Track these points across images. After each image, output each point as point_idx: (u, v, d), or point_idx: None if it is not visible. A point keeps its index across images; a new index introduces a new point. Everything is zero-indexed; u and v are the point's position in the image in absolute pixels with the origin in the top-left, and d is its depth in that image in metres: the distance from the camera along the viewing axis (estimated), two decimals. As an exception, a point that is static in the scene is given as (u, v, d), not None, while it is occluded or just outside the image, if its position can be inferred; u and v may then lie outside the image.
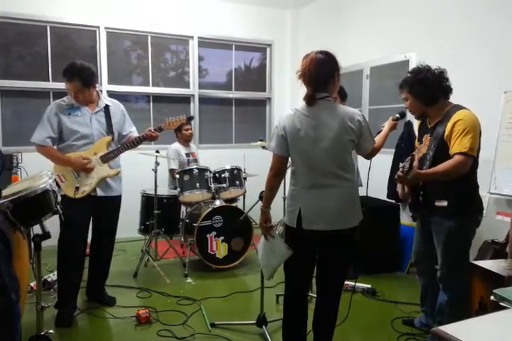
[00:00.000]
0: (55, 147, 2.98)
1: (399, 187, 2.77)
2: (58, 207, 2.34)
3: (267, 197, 2.31)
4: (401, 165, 2.36)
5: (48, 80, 4.84)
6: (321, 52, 2.16)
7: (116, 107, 3.16)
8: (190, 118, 3.38)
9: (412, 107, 2.61)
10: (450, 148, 2.36)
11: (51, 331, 2.41)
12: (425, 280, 2.79)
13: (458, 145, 2.32)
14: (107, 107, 3.07)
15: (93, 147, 2.98)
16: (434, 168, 2.38)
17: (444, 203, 2.43)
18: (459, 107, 2.47)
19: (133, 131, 3.24)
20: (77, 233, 2.95)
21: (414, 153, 2.48)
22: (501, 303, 1.65)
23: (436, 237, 2.53)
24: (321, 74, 2.14)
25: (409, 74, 2.57)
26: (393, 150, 4.21)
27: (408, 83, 2.56)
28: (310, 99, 2.16)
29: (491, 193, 3.21)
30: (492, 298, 1.71)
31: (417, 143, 2.79)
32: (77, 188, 2.88)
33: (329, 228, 2.16)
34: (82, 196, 2.91)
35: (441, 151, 2.41)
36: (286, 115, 2.22)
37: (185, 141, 4.80)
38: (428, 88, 2.46)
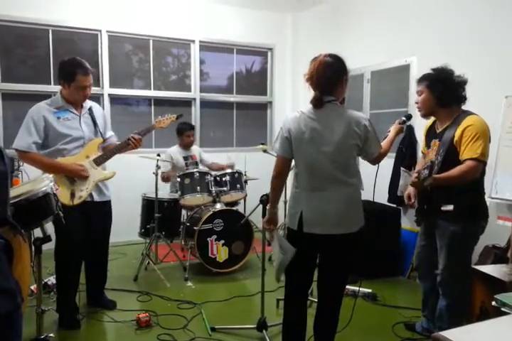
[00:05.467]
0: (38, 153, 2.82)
1: (408, 192, 2.74)
2: (59, 210, 2.33)
3: (271, 197, 2.35)
4: (415, 170, 2.34)
5: (50, 83, 4.85)
6: (330, 55, 2.16)
7: (98, 109, 3.10)
8: (179, 116, 3.28)
9: (424, 103, 2.55)
10: (460, 154, 2.36)
11: (51, 334, 2.41)
12: (427, 284, 2.78)
13: (469, 151, 2.32)
14: (90, 109, 3.00)
15: (84, 150, 2.88)
16: (447, 173, 2.36)
17: (450, 207, 2.42)
18: (468, 113, 2.47)
19: (113, 136, 3.18)
20: (75, 241, 2.87)
21: (433, 159, 2.45)
22: (503, 309, 1.64)
23: (439, 241, 2.53)
24: (329, 78, 2.14)
25: (431, 71, 2.55)
26: (394, 155, 4.20)
27: (429, 78, 2.53)
28: (317, 102, 2.16)
29: (492, 198, 3.20)
30: (493, 303, 1.71)
31: (424, 148, 2.78)
32: (72, 195, 2.74)
33: (329, 232, 2.16)
34: (79, 202, 2.80)
35: (450, 156, 2.40)
36: (292, 117, 2.22)
37: (186, 146, 4.81)
38: (446, 89, 2.45)
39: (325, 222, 2.16)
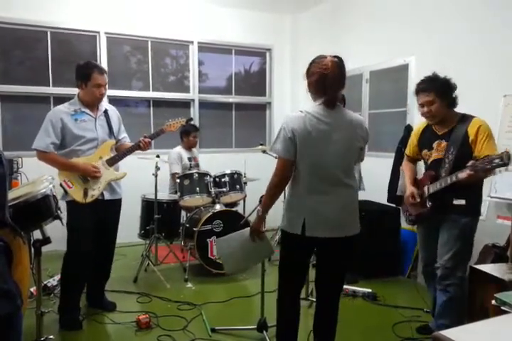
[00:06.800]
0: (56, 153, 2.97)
1: (411, 191, 2.72)
2: (59, 212, 2.33)
3: (267, 204, 2.25)
4: (471, 163, 2.32)
5: (49, 85, 4.85)
6: (336, 56, 2.13)
7: (114, 112, 3.21)
8: (189, 120, 3.45)
9: (438, 112, 2.58)
10: (477, 151, 2.47)
11: (51, 336, 2.39)
12: (435, 283, 2.76)
13: (487, 149, 2.45)
14: (106, 111, 3.10)
15: (97, 151, 2.99)
16: None
17: (463, 201, 2.53)
18: (468, 115, 2.59)
19: (126, 137, 3.29)
20: (87, 237, 2.95)
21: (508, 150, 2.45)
22: (503, 307, 1.65)
23: (447, 233, 2.58)
24: (341, 78, 2.12)
25: (429, 82, 2.58)
26: (393, 154, 4.20)
27: (436, 87, 2.55)
28: (333, 103, 2.13)
29: (492, 197, 3.20)
30: (493, 302, 1.71)
31: (411, 150, 2.87)
32: (85, 193, 2.86)
33: (332, 235, 2.14)
34: (91, 200, 2.91)
35: (464, 155, 2.49)
36: (296, 116, 2.12)
37: (189, 147, 4.83)
38: (452, 92, 2.57)
39: (328, 225, 2.13)
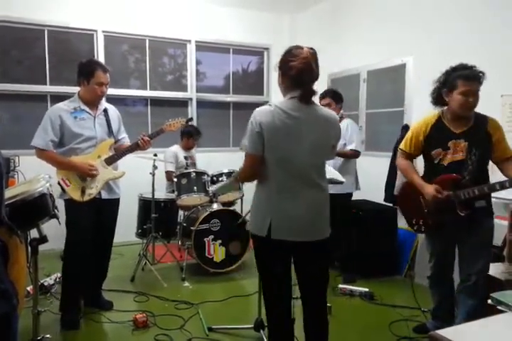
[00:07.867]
0: (55, 151, 2.97)
1: (435, 187, 2.47)
2: (56, 211, 2.33)
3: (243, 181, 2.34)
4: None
5: (46, 84, 4.83)
6: (311, 48, 2.03)
7: (114, 112, 3.20)
8: (189, 120, 3.45)
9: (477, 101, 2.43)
10: (501, 151, 2.42)
11: (48, 335, 2.39)
12: (445, 288, 2.75)
13: (509, 149, 2.45)
14: (105, 110, 3.09)
15: (96, 150, 2.99)
16: None
17: (483, 203, 2.46)
18: (482, 114, 2.49)
19: (126, 137, 3.29)
20: (85, 236, 2.94)
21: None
22: (498, 307, 1.65)
23: (478, 238, 2.49)
24: (317, 71, 2.03)
25: (473, 68, 2.44)
26: (390, 154, 4.21)
27: (482, 77, 2.40)
28: (308, 98, 2.02)
29: (488, 197, 3.20)
30: (489, 301, 1.71)
31: (409, 147, 2.63)
32: (83, 191, 2.87)
33: (297, 239, 2.03)
34: (89, 199, 2.91)
35: (486, 155, 2.43)
36: (263, 110, 2.03)
37: (187, 148, 4.84)
38: None
39: (296, 228, 2.02)
